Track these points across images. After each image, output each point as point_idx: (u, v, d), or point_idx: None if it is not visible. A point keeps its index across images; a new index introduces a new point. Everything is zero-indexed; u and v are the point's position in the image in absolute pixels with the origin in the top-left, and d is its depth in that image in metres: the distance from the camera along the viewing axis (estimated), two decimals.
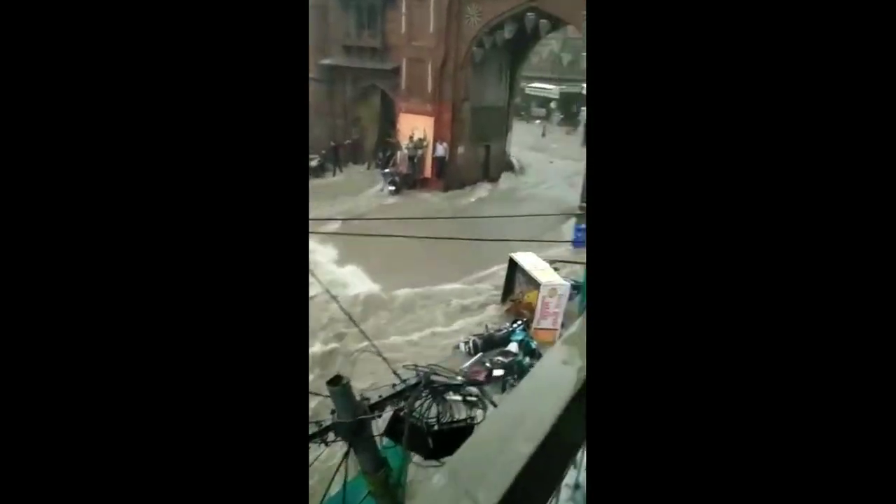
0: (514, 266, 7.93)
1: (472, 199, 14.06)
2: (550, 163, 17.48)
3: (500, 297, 8.25)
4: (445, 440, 1.95)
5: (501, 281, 8.31)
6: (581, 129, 21.83)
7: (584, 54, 21.38)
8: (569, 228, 11.25)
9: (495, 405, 2.19)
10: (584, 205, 11.51)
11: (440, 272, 8.75)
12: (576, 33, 15.19)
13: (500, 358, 6.33)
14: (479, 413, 2.15)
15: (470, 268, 9.03)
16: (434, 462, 1.94)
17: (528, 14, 12.08)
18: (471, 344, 6.83)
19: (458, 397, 2.16)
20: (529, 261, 7.69)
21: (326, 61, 15.52)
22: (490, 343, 6.85)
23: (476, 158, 15.20)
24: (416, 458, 2.04)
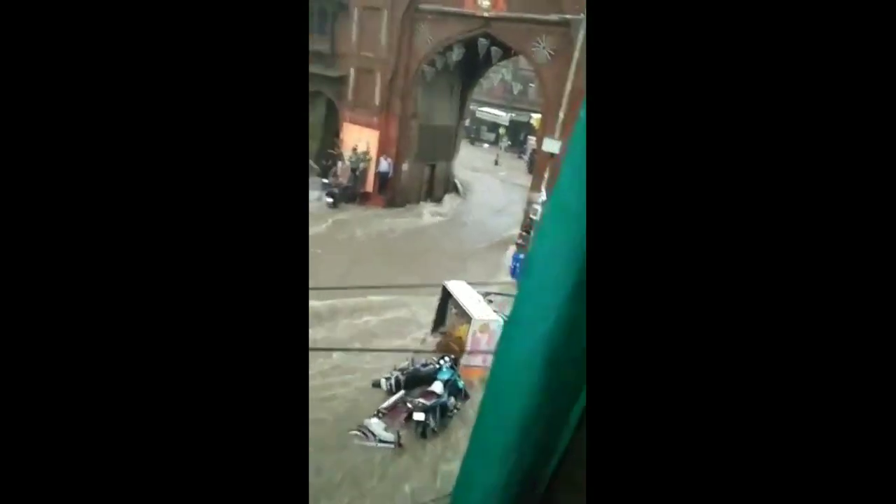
0: (446, 295, 7.50)
1: (421, 223, 13.54)
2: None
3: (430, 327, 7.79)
4: None
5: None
6: (527, 157, 22.27)
7: (533, 85, 22.31)
8: (508, 257, 11.09)
9: None
10: (524, 233, 11.52)
11: None
12: (526, 64, 15.43)
13: (421, 400, 5.81)
14: None
15: None
16: None
17: (481, 39, 12.05)
18: (393, 380, 6.27)
19: None
20: (462, 291, 7.30)
21: None
22: (414, 379, 6.32)
23: (420, 177, 14.86)
24: None
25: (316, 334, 6.83)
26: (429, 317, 7.86)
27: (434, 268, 9.14)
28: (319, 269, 8.60)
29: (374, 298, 8.16)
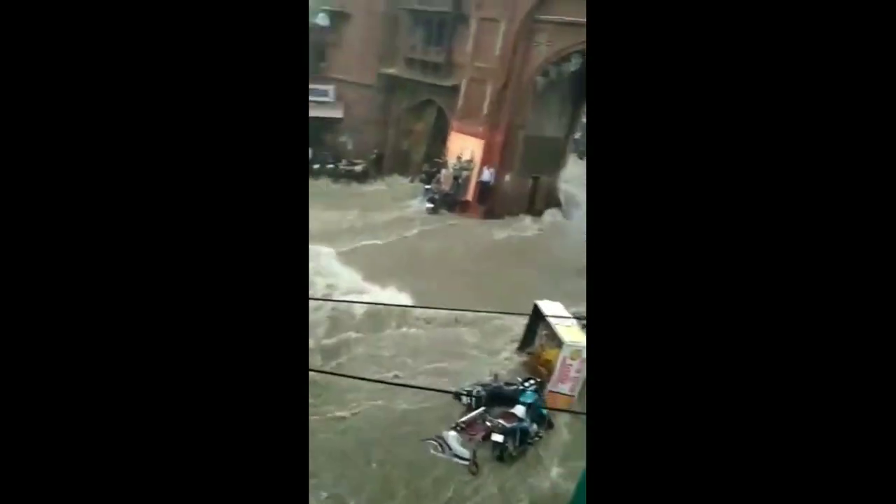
0: (537, 315, 7.15)
1: (515, 237, 13.18)
2: None
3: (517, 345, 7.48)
4: None
5: None
6: None
7: None
8: None
9: None
10: None
11: None
12: None
13: (501, 421, 5.55)
14: None
15: None
16: None
17: None
18: (474, 394, 6.09)
19: None
20: (555, 312, 6.89)
21: (387, 71, 15.51)
22: (496, 397, 6.08)
23: (522, 189, 14.56)
24: None
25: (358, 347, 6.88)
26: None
27: (517, 287, 8.73)
28: (388, 284, 8.69)
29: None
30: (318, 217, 12.12)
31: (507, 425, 5.51)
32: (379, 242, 11.02)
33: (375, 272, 9.25)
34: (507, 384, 6.33)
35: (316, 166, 15.30)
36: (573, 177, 17.27)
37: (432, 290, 8.72)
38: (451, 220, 13.44)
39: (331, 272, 9.44)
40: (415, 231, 12.29)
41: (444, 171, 14.40)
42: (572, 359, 6.28)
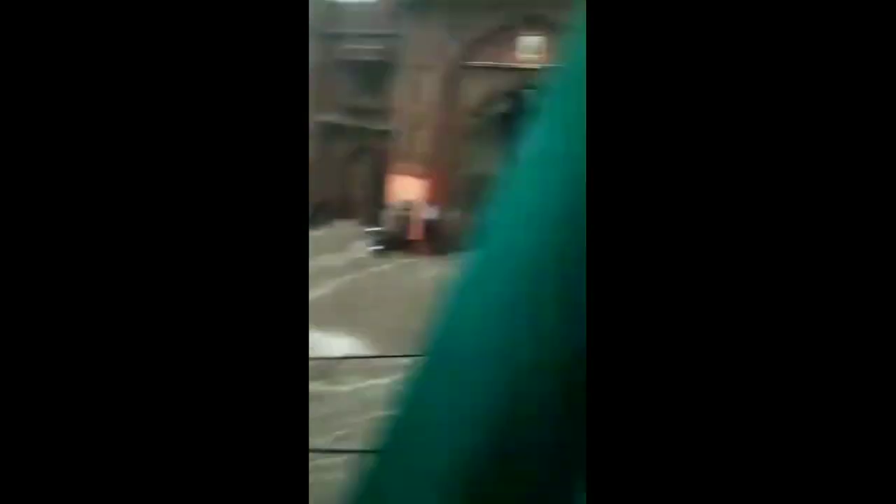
0: None
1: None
2: None
3: None
4: None
5: None
6: None
7: None
8: None
9: None
10: None
11: None
12: None
13: None
14: None
15: None
16: None
17: (528, 90, 12.23)
18: None
19: None
20: None
21: (323, 118, 15.60)
22: None
23: (467, 225, 14.84)
24: None
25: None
26: None
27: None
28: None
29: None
30: None
31: None
32: (326, 291, 10.62)
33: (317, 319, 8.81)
34: None
35: None
36: None
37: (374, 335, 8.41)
38: (392, 260, 13.32)
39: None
40: (360, 273, 12.03)
41: (386, 212, 14.41)
42: None
